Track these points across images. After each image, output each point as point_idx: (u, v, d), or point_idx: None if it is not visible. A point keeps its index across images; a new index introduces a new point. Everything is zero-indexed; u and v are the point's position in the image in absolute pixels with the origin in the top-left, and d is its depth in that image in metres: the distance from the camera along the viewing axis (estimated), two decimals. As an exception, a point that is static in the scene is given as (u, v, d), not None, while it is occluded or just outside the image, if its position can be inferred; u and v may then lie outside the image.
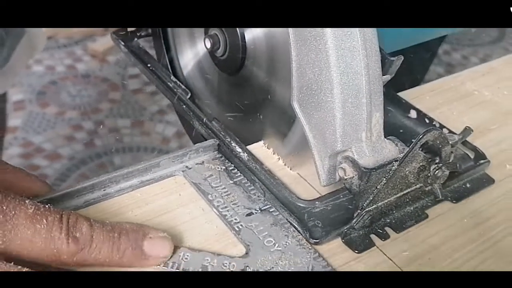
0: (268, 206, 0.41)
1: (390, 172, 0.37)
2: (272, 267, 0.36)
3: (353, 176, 0.37)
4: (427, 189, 0.42)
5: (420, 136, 0.37)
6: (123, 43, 0.56)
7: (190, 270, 0.36)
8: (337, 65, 0.35)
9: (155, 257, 0.36)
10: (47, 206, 0.35)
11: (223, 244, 0.38)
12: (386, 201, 0.39)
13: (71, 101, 1.91)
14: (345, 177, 0.38)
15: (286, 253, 0.37)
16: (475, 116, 0.54)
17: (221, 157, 0.46)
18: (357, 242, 0.39)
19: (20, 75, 1.92)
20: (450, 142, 0.42)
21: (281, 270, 0.36)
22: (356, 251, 0.38)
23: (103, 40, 2.23)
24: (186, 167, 0.44)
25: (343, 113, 0.36)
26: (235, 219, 0.40)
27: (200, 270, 0.36)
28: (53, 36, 2.17)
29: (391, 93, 0.53)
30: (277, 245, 0.38)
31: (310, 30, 0.36)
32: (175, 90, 0.51)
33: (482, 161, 0.46)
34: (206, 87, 0.53)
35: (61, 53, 2.16)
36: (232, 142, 0.45)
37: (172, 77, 0.52)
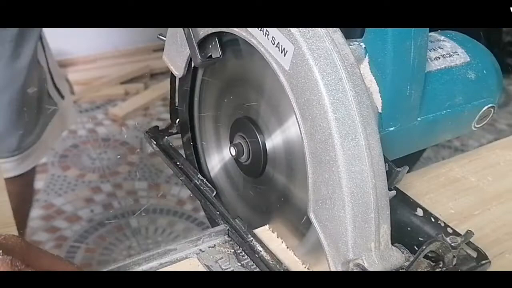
0: None
1: (397, 279, 0.42)
2: None
3: (364, 283, 0.42)
4: (432, 290, 0.46)
5: (424, 247, 0.42)
6: (155, 142, 0.62)
7: None
8: (348, 185, 0.40)
9: None
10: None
11: None
12: (394, 303, 0.43)
13: (91, 164, 1.98)
14: (357, 283, 0.42)
15: None
16: (461, 202, 0.59)
17: (230, 240, 0.51)
18: None
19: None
20: (453, 244, 0.47)
21: None
22: None
23: (123, 104, 2.34)
24: (200, 250, 0.50)
25: (353, 227, 0.41)
26: None
27: None
28: (76, 101, 2.28)
29: (400, 192, 0.58)
30: None
31: (323, 153, 0.41)
32: (202, 188, 0.56)
33: (483, 262, 0.50)
34: (231, 187, 0.59)
35: (83, 117, 2.26)
36: (256, 243, 0.50)
37: (199, 175, 0.58)
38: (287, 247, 0.52)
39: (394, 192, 0.44)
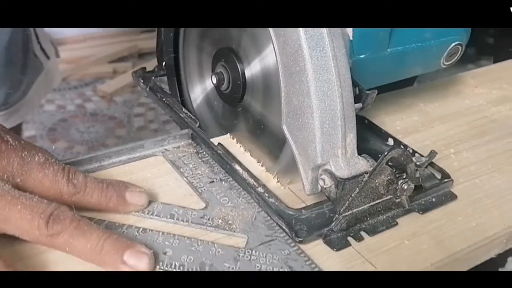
0: (227, 176, 0.53)
1: (362, 182, 0.45)
2: (224, 216, 0.47)
3: (331, 185, 0.45)
4: (397, 201, 0.50)
5: (386, 153, 0.45)
6: (142, 81, 0.66)
7: (161, 217, 0.47)
8: (316, 94, 0.44)
9: (135, 205, 0.47)
10: (53, 159, 0.45)
11: (188, 201, 0.50)
12: (360, 208, 0.47)
13: (80, 137, 2.00)
14: (325, 186, 0.46)
15: (237, 208, 0.49)
16: (407, 121, 0.66)
17: (194, 143, 0.57)
18: (335, 242, 0.46)
19: (33, 113, 2.02)
20: (418, 163, 0.50)
21: (231, 219, 0.47)
22: (335, 249, 0.45)
23: (112, 82, 2.35)
24: (165, 149, 0.56)
25: (321, 133, 0.44)
26: (200, 185, 0.51)
27: (168, 217, 0.47)
28: (65, 78, 2.29)
29: (373, 124, 0.62)
30: (230, 202, 0.49)
31: (294, 65, 0.44)
32: (186, 120, 0.59)
33: (446, 180, 0.54)
34: (212, 117, 0.62)
35: (72, 94, 2.27)
36: (235, 164, 0.53)
37: (183, 109, 0.61)
38: (266, 170, 0.55)
39: (360, 105, 0.47)
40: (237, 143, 0.59)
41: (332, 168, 0.45)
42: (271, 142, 0.53)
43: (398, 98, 0.70)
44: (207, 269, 0.42)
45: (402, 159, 0.47)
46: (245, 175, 0.52)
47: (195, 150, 0.56)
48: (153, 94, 0.65)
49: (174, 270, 0.42)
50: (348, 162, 0.46)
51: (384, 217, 0.49)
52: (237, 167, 0.53)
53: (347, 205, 0.46)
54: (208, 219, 0.47)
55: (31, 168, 0.44)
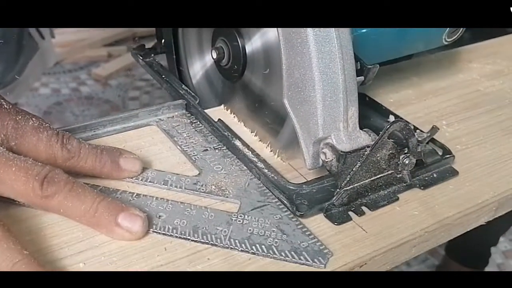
0: (220, 145, 0.53)
1: (363, 156, 0.45)
2: (217, 183, 0.48)
3: (332, 159, 0.45)
4: (398, 176, 0.49)
5: (388, 126, 0.45)
6: (141, 58, 0.65)
7: (155, 184, 0.47)
8: (318, 66, 0.43)
9: (129, 171, 0.47)
10: (47, 124, 0.45)
11: (182, 169, 0.50)
12: (361, 183, 0.47)
13: (74, 120, 1.99)
14: (326, 160, 0.45)
15: (230, 175, 0.49)
16: (401, 94, 0.66)
17: (188, 114, 0.57)
18: (336, 216, 0.46)
19: (28, 96, 2.00)
20: (420, 139, 0.50)
21: (224, 186, 0.47)
22: (335, 223, 0.45)
23: (107, 65, 2.34)
24: (160, 119, 0.56)
25: (323, 106, 0.44)
26: (193, 153, 0.52)
27: (162, 183, 0.47)
28: (59, 61, 2.27)
29: (374, 101, 0.61)
30: (223, 169, 0.50)
31: (296, 36, 0.44)
32: (186, 96, 0.59)
33: (447, 156, 0.54)
34: (211, 93, 0.61)
35: (67, 77, 2.26)
36: (235, 140, 0.53)
37: (183, 85, 0.60)
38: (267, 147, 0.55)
39: (361, 78, 0.47)
40: (231, 113, 0.59)
41: (334, 142, 0.45)
42: (271, 118, 0.53)
43: (392, 71, 0.70)
44: (200, 232, 0.43)
45: (404, 133, 0.47)
46: (245, 150, 0.51)
47: (189, 120, 0.56)
48: (152, 71, 0.64)
49: (168, 233, 0.42)
50: (349, 136, 0.46)
51: (386, 192, 0.49)
52: (237, 142, 0.52)
53: (348, 179, 0.45)
54: (202, 185, 0.47)
55: (26, 132, 0.44)
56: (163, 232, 0.42)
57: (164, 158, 0.51)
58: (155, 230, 0.42)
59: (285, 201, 0.46)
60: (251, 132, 0.56)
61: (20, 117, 0.44)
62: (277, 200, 0.46)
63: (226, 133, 0.53)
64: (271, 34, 0.50)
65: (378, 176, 0.47)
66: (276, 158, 0.53)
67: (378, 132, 0.59)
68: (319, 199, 0.47)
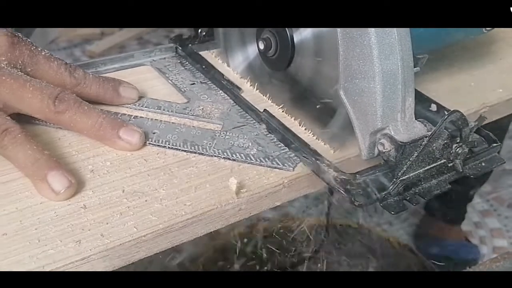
0: (206, 80, 0.61)
1: (421, 146, 0.45)
2: (203, 108, 0.57)
3: (391, 150, 0.45)
4: (449, 165, 0.50)
5: (446, 116, 0.45)
6: (180, 48, 0.65)
7: (150, 109, 0.56)
8: (379, 57, 0.43)
9: (127, 98, 0.55)
10: (57, 56, 0.52)
11: (173, 98, 0.58)
12: (416, 172, 0.47)
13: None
14: (384, 151, 0.46)
15: (215, 102, 0.58)
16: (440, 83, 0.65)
17: (178, 56, 0.65)
18: (393, 206, 0.46)
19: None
20: (469, 126, 0.50)
21: (209, 110, 0.56)
22: (392, 213, 0.46)
23: (100, 43, 2.41)
24: (153, 60, 0.64)
25: (383, 97, 0.44)
26: (182, 86, 0.60)
27: (156, 108, 0.56)
28: (54, 39, 2.34)
29: (415, 90, 0.61)
30: (209, 98, 0.59)
31: (356, 29, 0.44)
32: (228, 87, 0.59)
33: (494, 145, 0.54)
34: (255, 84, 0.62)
35: (62, 54, 2.31)
36: (280, 127, 0.53)
37: (225, 76, 0.61)
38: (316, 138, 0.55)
39: (418, 69, 0.47)
40: (276, 105, 0.59)
41: (392, 132, 0.46)
42: (320, 108, 0.53)
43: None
44: (188, 144, 0.51)
45: (460, 122, 0.47)
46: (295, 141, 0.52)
47: (179, 61, 0.65)
48: (192, 61, 0.64)
49: (161, 144, 0.51)
50: (406, 126, 0.46)
51: (437, 181, 0.50)
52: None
53: (405, 169, 0.46)
54: (190, 110, 0.56)
55: (39, 60, 0.51)
56: (158, 144, 0.51)
57: (157, 90, 0.60)
58: (151, 142, 0.51)
59: (341, 191, 0.47)
60: (305, 130, 0.56)
61: (34, 47, 0.51)
62: (255, 121, 0.55)
63: (271, 121, 0.54)
64: (321, 24, 0.50)
65: (431, 166, 0.48)
66: (325, 147, 0.53)
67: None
68: (374, 189, 0.47)
